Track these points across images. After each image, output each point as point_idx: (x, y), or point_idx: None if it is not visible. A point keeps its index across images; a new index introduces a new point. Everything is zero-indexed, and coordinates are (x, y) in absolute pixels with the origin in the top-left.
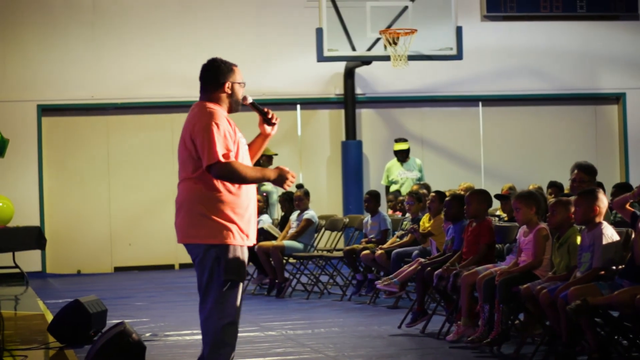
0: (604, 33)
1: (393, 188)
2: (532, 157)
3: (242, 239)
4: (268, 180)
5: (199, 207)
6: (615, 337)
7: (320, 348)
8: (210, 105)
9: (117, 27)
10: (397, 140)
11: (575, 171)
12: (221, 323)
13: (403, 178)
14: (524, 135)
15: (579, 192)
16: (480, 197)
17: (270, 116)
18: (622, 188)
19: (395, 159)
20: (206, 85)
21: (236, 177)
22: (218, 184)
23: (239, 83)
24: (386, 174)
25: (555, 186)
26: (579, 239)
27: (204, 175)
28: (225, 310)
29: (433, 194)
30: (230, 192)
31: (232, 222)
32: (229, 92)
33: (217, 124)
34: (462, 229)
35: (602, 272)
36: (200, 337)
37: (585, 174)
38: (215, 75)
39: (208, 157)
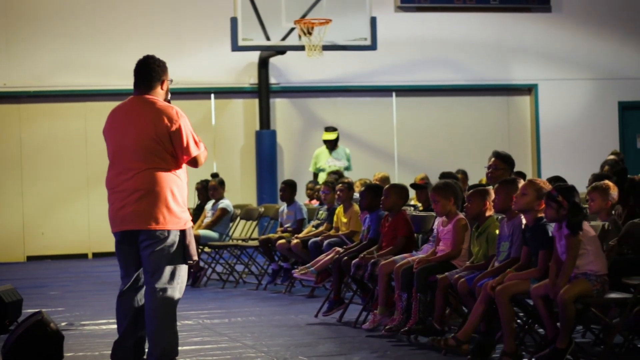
0: (516, 25)
1: (321, 175)
2: (445, 148)
3: (190, 223)
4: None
5: (168, 194)
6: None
7: (238, 337)
8: (164, 102)
9: (30, 15)
10: (327, 129)
11: (493, 159)
12: (176, 301)
13: (331, 166)
14: (437, 125)
15: (500, 181)
16: (401, 191)
17: None
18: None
19: (324, 147)
20: (149, 81)
21: (205, 160)
22: (182, 173)
23: (170, 80)
24: (314, 160)
25: (462, 173)
26: (497, 230)
27: (174, 164)
28: (182, 289)
29: (340, 185)
30: (182, 182)
31: (185, 209)
32: (166, 89)
33: (187, 121)
34: (378, 219)
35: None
36: (115, 326)
37: (502, 162)
38: (159, 71)
39: (193, 150)
